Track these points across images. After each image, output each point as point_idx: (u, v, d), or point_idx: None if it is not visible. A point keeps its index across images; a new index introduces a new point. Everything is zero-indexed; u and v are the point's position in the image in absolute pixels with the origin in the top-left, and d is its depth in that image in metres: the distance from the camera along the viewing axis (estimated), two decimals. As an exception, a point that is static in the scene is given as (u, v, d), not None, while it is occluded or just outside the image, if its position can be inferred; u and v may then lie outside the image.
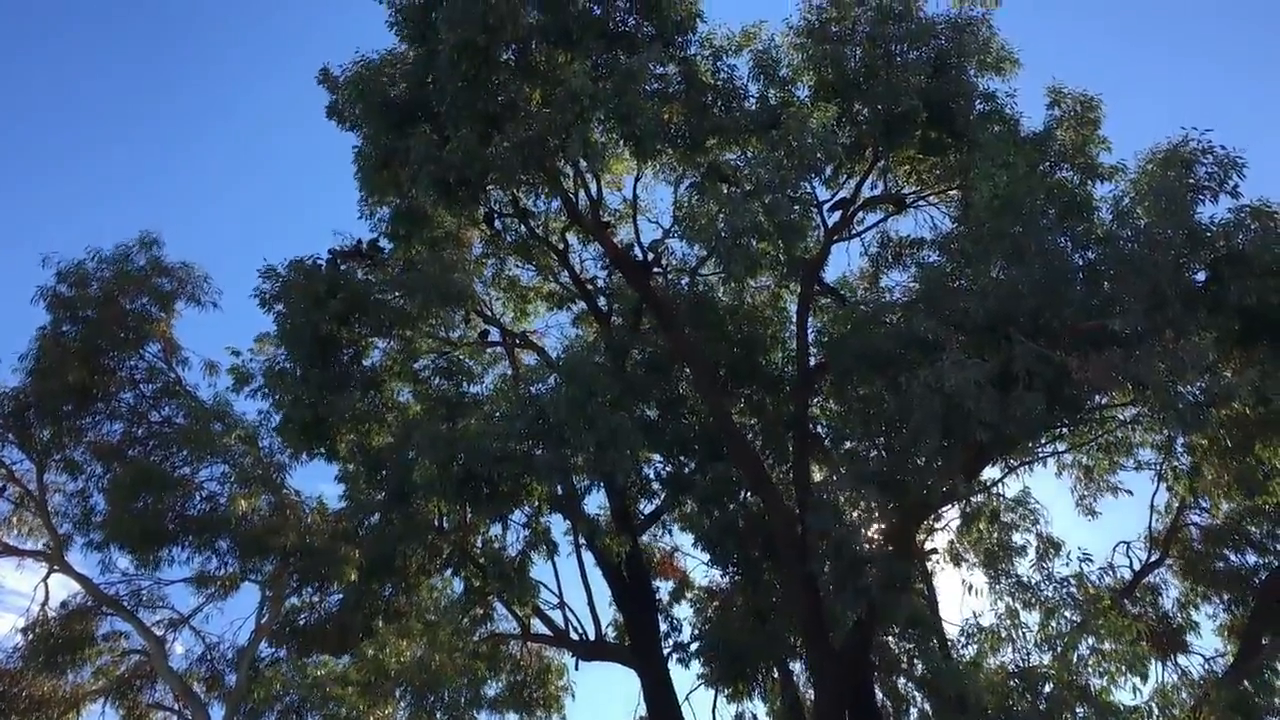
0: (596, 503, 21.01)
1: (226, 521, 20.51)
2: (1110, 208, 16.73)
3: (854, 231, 20.22)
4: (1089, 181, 17.57)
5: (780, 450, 19.93)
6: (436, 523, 19.31)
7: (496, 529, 19.70)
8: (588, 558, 19.71)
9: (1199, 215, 15.52)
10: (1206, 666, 19.15)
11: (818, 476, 19.41)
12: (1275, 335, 14.94)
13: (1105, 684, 17.80)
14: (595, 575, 19.74)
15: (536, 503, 19.32)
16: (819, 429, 19.91)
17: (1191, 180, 15.45)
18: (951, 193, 19.30)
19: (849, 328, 18.15)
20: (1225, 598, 19.77)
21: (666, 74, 17.74)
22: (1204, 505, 19.79)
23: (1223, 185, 15.38)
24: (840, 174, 18.93)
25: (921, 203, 19.90)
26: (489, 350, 22.11)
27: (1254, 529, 19.34)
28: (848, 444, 18.86)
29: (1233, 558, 19.64)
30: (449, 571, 20.20)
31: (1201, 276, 15.64)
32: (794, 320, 19.56)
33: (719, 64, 18.37)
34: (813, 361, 19.03)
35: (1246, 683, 18.07)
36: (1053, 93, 18.11)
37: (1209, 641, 19.86)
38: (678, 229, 19.02)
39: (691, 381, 19.20)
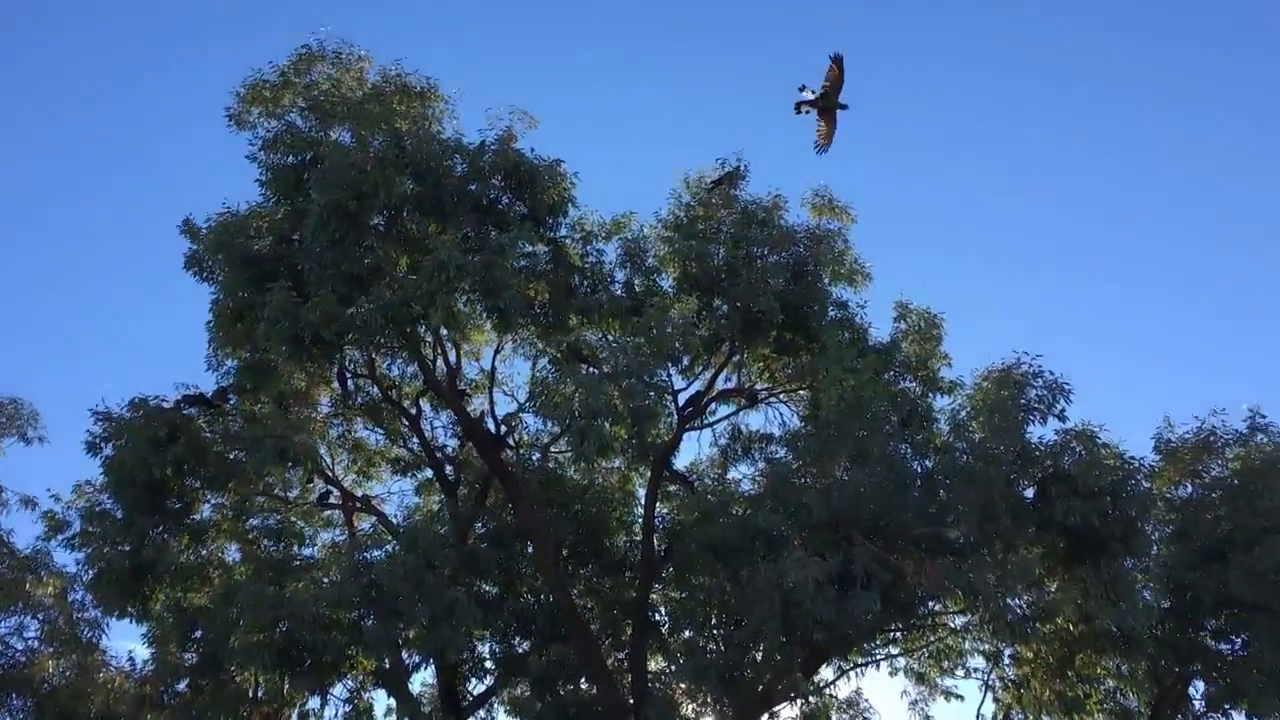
0: (422, 680, 20.08)
1: (28, 680, 18.89)
2: (948, 420, 17.57)
3: (706, 422, 20.57)
4: (929, 393, 18.44)
5: (618, 636, 19.60)
6: (251, 692, 18.14)
7: (315, 703, 18.66)
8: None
9: (1029, 434, 16.38)
10: None
11: (654, 665, 19.10)
12: (1097, 554, 15.62)
13: None
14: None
15: (361, 677, 18.43)
16: (658, 617, 19.69)
17: (1023, 401, 16.33)
18: (801, 392, 19.89)
19: (695, 516, 18.23)
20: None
21: (535, 252, 18.07)
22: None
23: (1051, 408, 16.29)
24: (697, 365, 19.37)
25: (772, 399, 20.44)
26: (325, 513, 21.35)
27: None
28: (687, 634, 18.68)
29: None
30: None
31: (1030, 493, 16.37)
32: (642, 504, 19.57)
33: (588, 247, 18.84)
34: (658, 548, 18.98)
35: None
36: (900, 307, 19.14)
37: None
38: (533, 405, 19.02)
39: (534, 559, 18.86)
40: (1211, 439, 18.34)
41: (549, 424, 18.81)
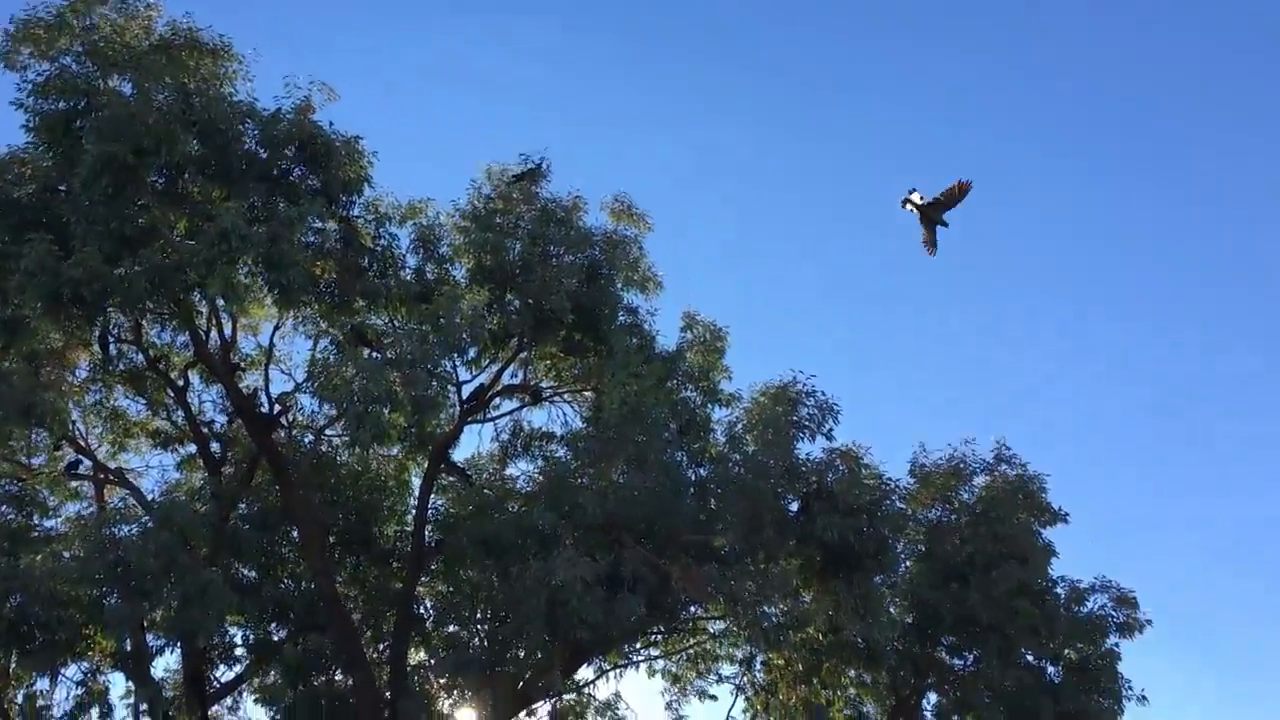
0: (166, 664, 19.08)
1: None
2: (725, 431, 18.09)
3: (488, 416, 20.44)
4: (709, 404, 18.94)
5: (380, 627, 19.23)
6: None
7: (44, 683, 17.50)
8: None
9: (798, 450, 17.08)
10: None
11: (416, 659, 18.83)
12: (851, 569, 16.44)
13: None
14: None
15: (98, 658, 17.41)
16: (424, 610, 19.42)
17: (795, 418, 17.02)
18: (585, 393, 20.06)
19: (470, 510, 18.10)
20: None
21: (325, 229, 17.48)
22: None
23: (820, 427, 17.05)
24: (484, 358, 19.19)
25: (556, 398, 20.51)
26: (74, 484, 20.02)
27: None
28: (451, 627, 18.52)
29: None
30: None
31: (795, 507, 17.08)
32: (416, 495, 19.27)
33: (381, 230, 18.34)
34: (428, 540, 18.71)
35: None
36: (687, 317, 19.60)
37: None
38: (310, 385, 18.39)
39: (298, 544, 18.27)
40: (961, 466, 19.55)
41: (325, 406, 18.23)
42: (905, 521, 18.20)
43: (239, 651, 18.74)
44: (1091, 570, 19.32)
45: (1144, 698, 18.23)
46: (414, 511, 19.08)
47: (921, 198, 17.16)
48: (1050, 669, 18.60)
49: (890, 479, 17.18)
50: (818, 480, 16.81)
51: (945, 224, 17.28)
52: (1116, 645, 18.51)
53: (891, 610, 17.25)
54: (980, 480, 19.42)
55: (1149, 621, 18.59)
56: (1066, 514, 19.02)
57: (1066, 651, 18.59)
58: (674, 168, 49.52)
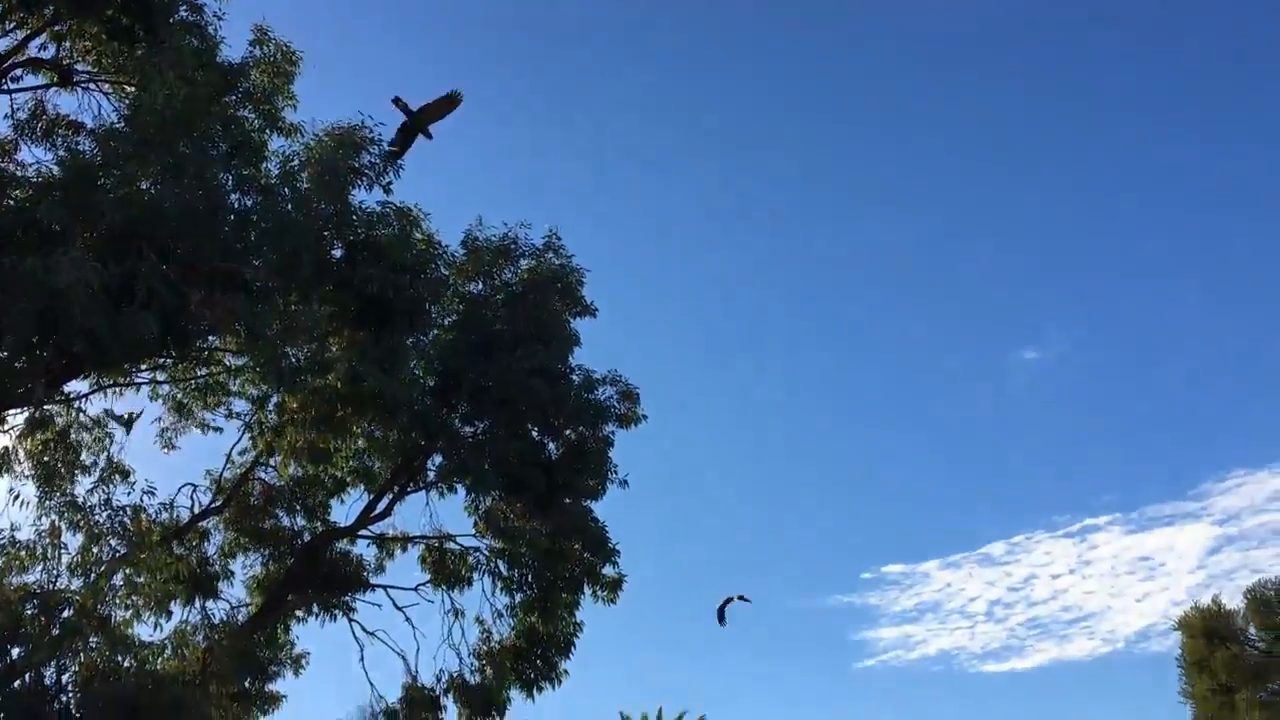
0: None
1: None
2: (280, 163, 17.00)
3: (6, 88, 17.70)
4: (268, 130, 17.61)
5: None
6: None
7: None
8: None
9: (353, 197, 16.51)
10: (230, 613, 19.99)
11: None
12: (383, 325, 16.36)
13: (129, 616, 17.74)
14: None
15: None
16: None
17: (356, 163, 16.37)
18: (128, 88, 17.89)
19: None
20: (266, 553, 20.83)
21: None
22: (274, 465, 20.73)
23: (380, 178, 16.55)
24: (8, 19, 16.49)
25: (92, 85, 18.15)
26: None
27: (310, 498, 20.79)
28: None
29: (284, 519, 20.82)
30: None
31: (338, 254, 16.60)
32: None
33: None
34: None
35: (258, 634, 19.31)
36: (259, 31, 17.87)
37: (238, 592, 20.74)
38: None
39: None
40: (512, 247, 19.98)
41: None
42: (446, 288, 18.35)
43: None
44: (607, 364, 20.66)
45: (625, 482, 20.15)
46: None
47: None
48: (551, 446, 19.94)
49: (442, 244, 17.15)
50: (366, 232, 16.42)
51: (430, 136, 17.41)
52: (613, 433, 20.22)
53: (415, 370, 17.46)
54: (526, 264, 19.99)
55: (645, 416, 20.43)
56: (596, 308, 20.19)
57: (568, 432, 19.99)
58: None
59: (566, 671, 20.24)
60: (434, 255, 16.84)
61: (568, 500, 19.55)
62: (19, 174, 16.81)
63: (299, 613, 20.33)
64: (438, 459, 20.15)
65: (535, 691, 19.88)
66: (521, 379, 18.16)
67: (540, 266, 19.83)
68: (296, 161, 16.88)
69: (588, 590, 20.05)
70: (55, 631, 14.08)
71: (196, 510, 19.72)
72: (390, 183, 16.49)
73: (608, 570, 20.04)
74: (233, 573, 20.60)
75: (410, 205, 16.81)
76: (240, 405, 20.11)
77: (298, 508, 20.78)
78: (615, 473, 20.02)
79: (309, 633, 20.96)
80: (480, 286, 19.92)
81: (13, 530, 17.11)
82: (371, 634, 20.43)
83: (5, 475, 17.94)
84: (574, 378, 19.88)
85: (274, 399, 19.66)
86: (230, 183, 16.40)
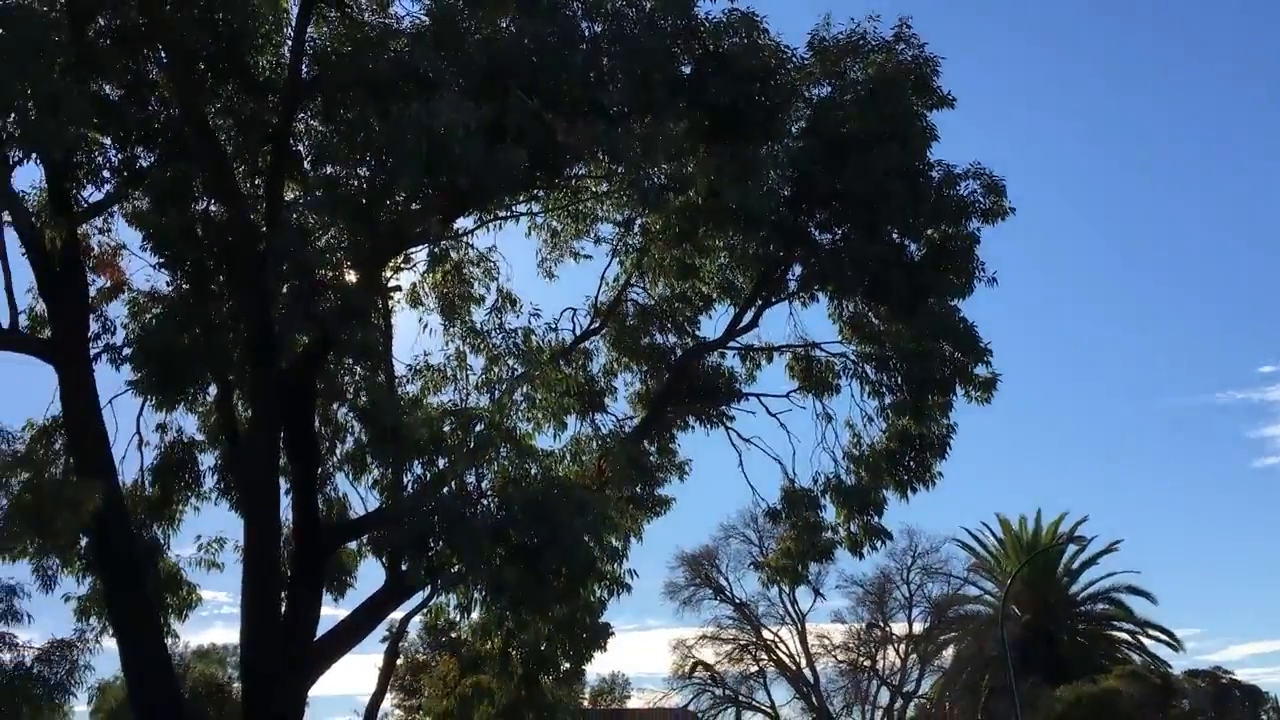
0: (31, 179, 18.20)
1: None
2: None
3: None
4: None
5: (254, 162, 18.69)
6: None
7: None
8: (11, 239, 17.24)
9: (697, 11, 16.40)
10: (617, 426, 21.46)
11: (290, 195, 18.55)
12: (737, 136, 16.36)
13: (531, 429, 19.49)
14: (19, 260, 17.33)
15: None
16: (300, 147, 18.87)
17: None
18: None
19: (350, 47, 17.15)
20: (644, 369, 22.02)
21: None
22: (644, 285, 21.69)
23: (722, -13, 16.27)
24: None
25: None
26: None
27: (680, 314, 21.62)
28: (329, 169, 18.13)
29: (657, 336, 21.86)
30: None
31: (687, 69, 16.65)
32: (293, 24, 18.07)
33: None
34: (306, 74, 17.80)
35: (646, 443, 20.63)
36: None
37: (622, 407, 22.19)
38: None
39: (165, 66, 17.19)
40: (860, 43, 19.12)
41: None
42: (795, 93, 17.97)
43: (105, 173, 18.05)
44: (968, 156, 19.63)
45: (994, 279, 19.32)
46: (290, 43, 17.98)
47: None
48: (912, 246, 19.42)
49: (789, 47, 16.73)
50: (713, 44, 16.33)
51: None
52: (978, 230, 19.30)
53: (772, 180, 17.38)
54: (875, 59, 19.11)
55: (1012, 209, 19.31)
56: (954, 99, 19.08)
57: (930, 231, 19.34)
58: None
59: (940, 473, 20.21)
60: (782, 60, 16.47)
61: (932, 301, 19.09)
62: (394, 26, 18.08)
63: (681, 422, 21.42)
64: (798, 268, 20.28)
65: (910, 492, 20.04)
66: (877, 180, 17.65)
67: (891, 60, 18.91)
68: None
69: (959, 391, 19.68)
70: (471, 444, 15.71)
71: (578, 333, 21.12)
72: (732, -11, 16.19)
73: (980, 370, 19.52)
74: (615, 389, 22.06)
75: (754, 12, 16.45)
76: (606, 230, 21.10)
77: (669, 325, 21.72)
78: (983, 270, 19.26)
79: (691, 441, 22.12)
80: (828, 89, 19.34)
81: (425, 356, 19.21)
82: (748, 441, 21.28)
83: (416, 309, 20.06)
84: (933, 174, 19.06)
85: (638, 221, 20.41)
86: (579, 11, 16.80)
